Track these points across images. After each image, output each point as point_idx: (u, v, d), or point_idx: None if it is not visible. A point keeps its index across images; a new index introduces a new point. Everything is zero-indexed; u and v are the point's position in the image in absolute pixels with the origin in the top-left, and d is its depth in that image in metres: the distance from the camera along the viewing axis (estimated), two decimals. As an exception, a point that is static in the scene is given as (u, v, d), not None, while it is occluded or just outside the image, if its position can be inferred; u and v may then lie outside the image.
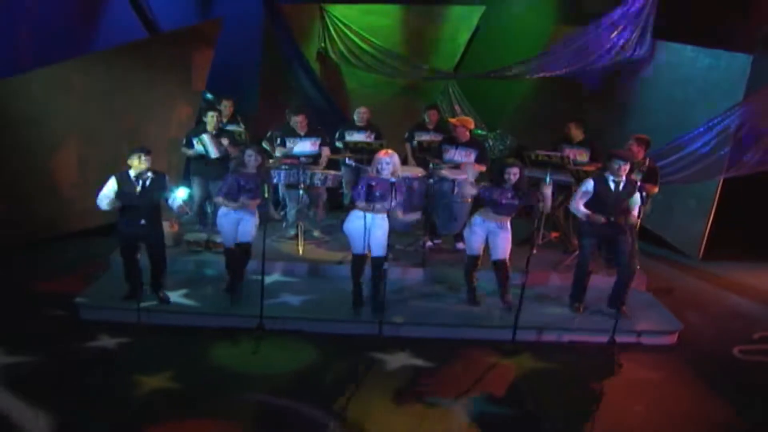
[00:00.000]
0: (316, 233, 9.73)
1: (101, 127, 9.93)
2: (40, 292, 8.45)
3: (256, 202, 7.82)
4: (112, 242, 9.40)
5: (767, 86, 9.37)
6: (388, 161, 7.64)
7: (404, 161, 9.98)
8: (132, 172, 7.37)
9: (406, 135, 10.77)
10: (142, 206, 7.35)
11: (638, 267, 8.16)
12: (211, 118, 9.46)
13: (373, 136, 10.36)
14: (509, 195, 7.68)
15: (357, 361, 7.10)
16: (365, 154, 9.74)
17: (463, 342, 7.56)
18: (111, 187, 7.38)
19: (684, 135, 9.60)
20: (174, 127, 10.48)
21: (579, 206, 7.73)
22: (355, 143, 9.99)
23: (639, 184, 7.75)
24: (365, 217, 7.50)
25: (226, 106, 10.23)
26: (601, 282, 8.32)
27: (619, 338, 7.44)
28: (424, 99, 12.98)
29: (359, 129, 10.50)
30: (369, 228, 7.53)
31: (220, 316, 7.73)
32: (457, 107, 13.13)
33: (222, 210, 7.95)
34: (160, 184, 7.43)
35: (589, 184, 7.70)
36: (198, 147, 9.37)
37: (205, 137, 9.35)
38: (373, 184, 7.58)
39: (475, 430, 6.06)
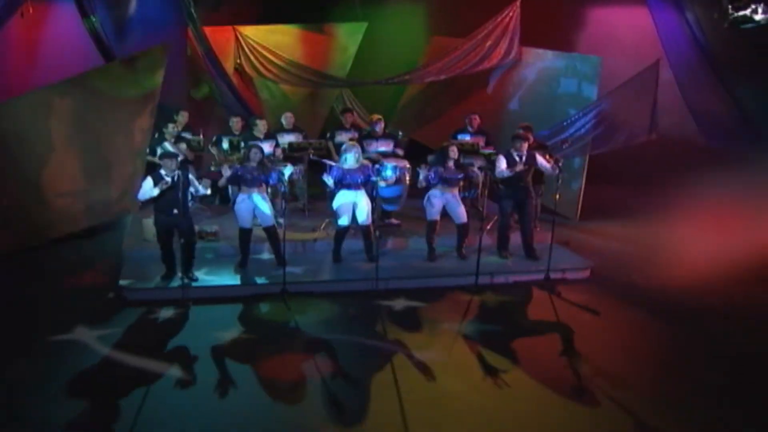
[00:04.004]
0: (279, 219, 11.37)
1: (77, 141, 11.07)
2: (73, 284, 9.58)
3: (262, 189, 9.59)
4: (105, 240, 10.75)
5: (620, 86, 12.05)
6: (356, 151, 9.81)
7: (328, 157, 11.66)
8: (163, 171, 8.93)
9: (328, 135, 12.62)
10: (174, 199, 8.92)
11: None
12: (171, 128, 11.15)
13: (301, 137, 12.19)
14: (453, 169, 10.00)
15: (370, 307, 9.03)
16: (305, 151, 11.51)
17: (440, 288, 9.68)
18: (149, 184, 8.91)
19: (563, 120, 12.23)
20: (137, 136, 11.71)
21: (502, 171, 10.04)
22: (292, 144, 11.68)
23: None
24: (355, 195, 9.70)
25: (184, 116, 11.73)
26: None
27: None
28: (324, 104, 15.02)
29: (288, 131, 12.30)
30: (356, 203, 9.74)
31: (248, 286, 9.40)
32: (351, 109, 15.08)
33: (240, 196, 9.60)
34: (186, 179, 9.00)
35: (502, 158, 10.09)
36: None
37: (167, 144, 10.94)
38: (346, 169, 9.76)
39: (478, 339, 8.22)
